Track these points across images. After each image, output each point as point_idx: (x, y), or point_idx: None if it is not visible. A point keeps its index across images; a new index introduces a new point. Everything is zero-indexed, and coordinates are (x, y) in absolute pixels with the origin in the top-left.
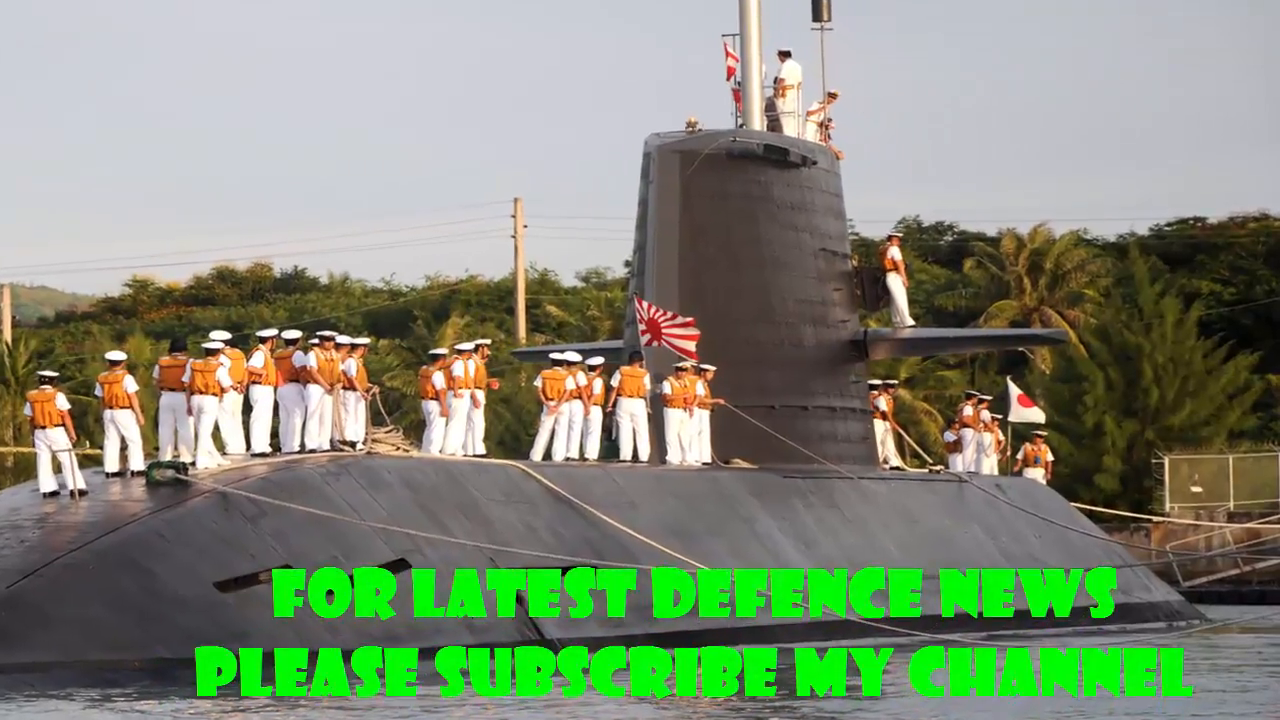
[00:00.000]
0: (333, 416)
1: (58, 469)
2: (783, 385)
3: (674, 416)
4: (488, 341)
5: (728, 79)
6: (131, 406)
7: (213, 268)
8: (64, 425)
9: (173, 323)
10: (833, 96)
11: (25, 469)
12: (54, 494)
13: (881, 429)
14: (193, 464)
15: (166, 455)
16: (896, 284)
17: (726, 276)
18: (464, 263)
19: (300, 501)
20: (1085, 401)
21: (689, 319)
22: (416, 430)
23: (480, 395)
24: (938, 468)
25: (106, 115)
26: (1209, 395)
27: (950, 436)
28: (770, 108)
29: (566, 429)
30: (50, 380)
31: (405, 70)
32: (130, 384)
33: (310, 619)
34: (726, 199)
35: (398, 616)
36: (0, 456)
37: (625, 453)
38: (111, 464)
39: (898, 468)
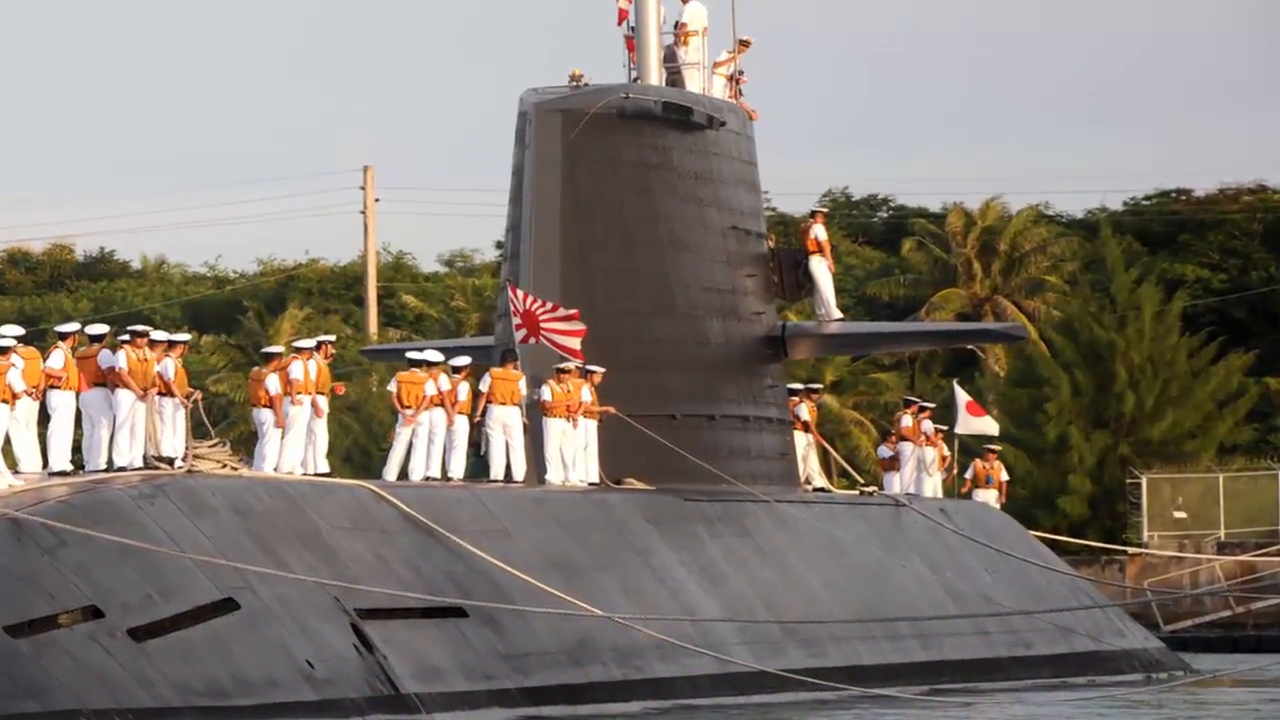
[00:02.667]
0: (146, 428)
1: None
2: (685, 391)
3: (555, 428)
4: (332, 338)
5: (619, 24)
6: None
7: (2, 250)
8: None
9: None
10: (745, 45)
11: None
12: None
13: (803, 443)
14: None
15: None
16: (821, 269)
17: (618, 260)
18: (303, 244)
19: (108, 529)
20: (1047, 410)
21: (572, 311)
22: (247, 444)
23: (323, 402)
24: (870, 489)
25: None
26: (1195, 402)
27: (885, 452)
28: (670, 58)
29: (426, 443)
30: None
31: (231, 13)
32: None
33: (120, 671)
34: (618, 167)
35: (224, 668)
36: None
37: (496, 471)
38: None
39: (822, 489)
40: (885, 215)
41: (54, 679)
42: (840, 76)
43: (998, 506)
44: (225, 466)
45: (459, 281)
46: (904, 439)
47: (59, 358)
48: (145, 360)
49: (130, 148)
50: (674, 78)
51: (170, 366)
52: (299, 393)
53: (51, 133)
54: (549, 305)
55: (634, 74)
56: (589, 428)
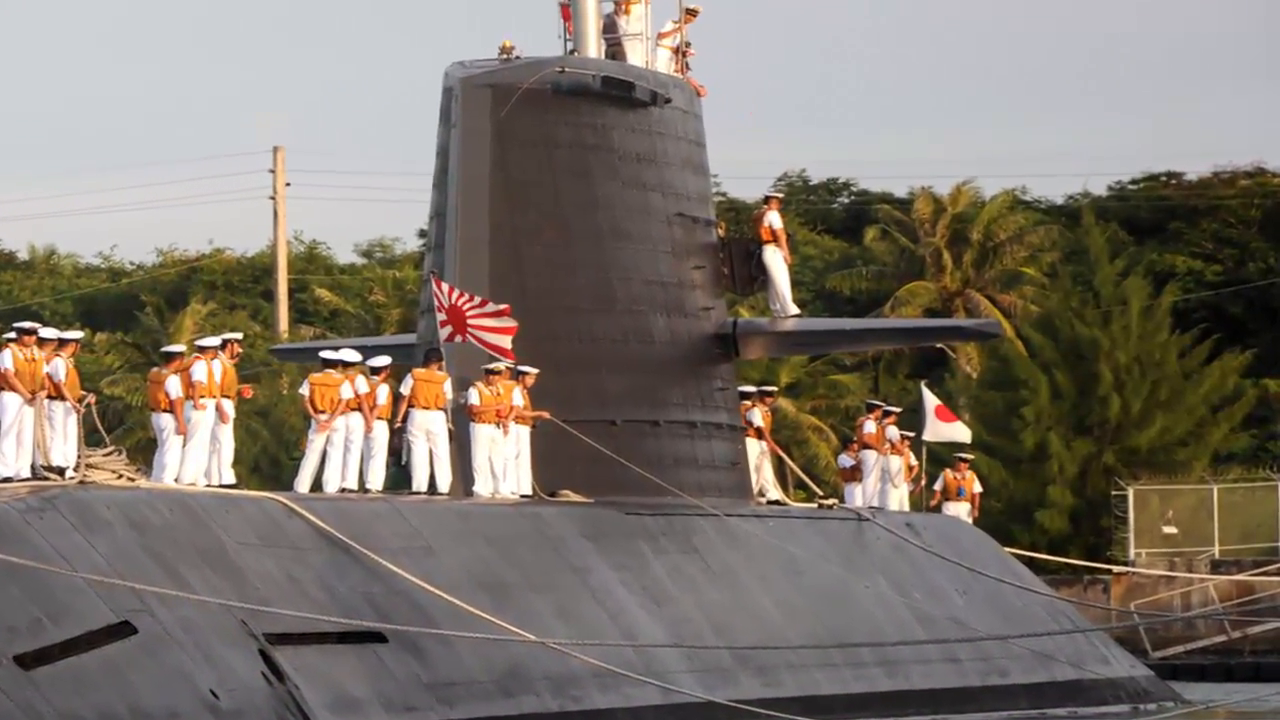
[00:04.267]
0: (34, 434)
1: None
2: (626, 394)
3: (483, 434)
4: (239, 336)
5: None
6: None
7: None
8: None
9: None
10: (692, 14)
11: None
12: None
13: (756, 451)
14: None
15: None
16: (776, 260)
17: (553, 251)
18: (206, 232)
19: None
20: (1024, 415)
21: (503, 307)
22: (145, 452)
23: (229, 406)
24: (830, 502)
25: None
26: (1186, 407)
27: (847, 461)
28: (610, 29)
29: (342, 450)
30: None
31: None
32: None
33: (5, 701)
34: (552, 148)
35: (121, 698)
36: None
37: (419, 482)
38: None
39: (778, 501)
40: (846, 201)
41: None
42: (796, 48)
43: (970, 521)
44: (121, 477)
45: (378, 274)
46: (867, 447)
47: None
48: (33, 360)
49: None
50: (614, 50)
51: (61, 367)
52: (202, 396)
53: None
54: (477, 300)
55: (570, 46)
56: (521, 434)
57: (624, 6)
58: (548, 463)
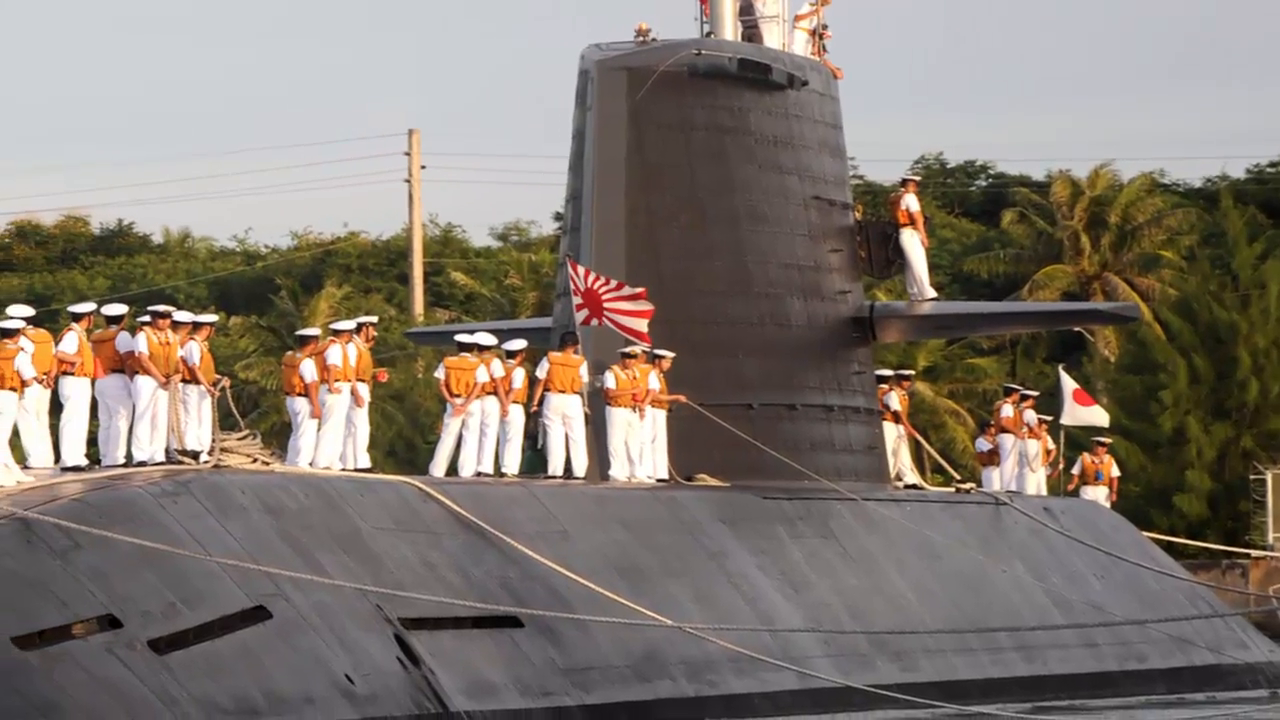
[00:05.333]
0: (169, 418)
1: None
2: (763, 378)
3: (619, 418)
4: (374, 319)
5: None
6: None
7: (9, 223)
8: None
9: None
10: None
11: None
12: None
13: (893, 435)
14: None
15: None
16: (913, 243)
17: (689, 234)
18: (341, 216)
19: (126, 531)
20: (1162, 399)
21: (639, 290)
22: (279, 436)
23: (364, 390)
24: (968, 486)
25: None
26: None
27: (984, 445)
28: (747, 11)
29: (477, 435)
30: None
31: None
32: None
33: (140, 687)
34: (689, 131)
35: (255, 682)
36: None
37: (555, 466)
38: None
39: (915, 486)
40: (984, 184)
41: (67, 695)
42: (934, 31)
43: (1107, 505)
44: (256, 461)
45: (513, 257)
46: (1004, 431)
47: (72, 341)
48: (167, 344)
49: (152, 109)
50: (751, 33)
51: (195, 351)
52: (337, 380)
53: (65, 93)
54: (613, 283)
55: (707, 28)
56: (657, 418)
57: None
58: (684, 447)
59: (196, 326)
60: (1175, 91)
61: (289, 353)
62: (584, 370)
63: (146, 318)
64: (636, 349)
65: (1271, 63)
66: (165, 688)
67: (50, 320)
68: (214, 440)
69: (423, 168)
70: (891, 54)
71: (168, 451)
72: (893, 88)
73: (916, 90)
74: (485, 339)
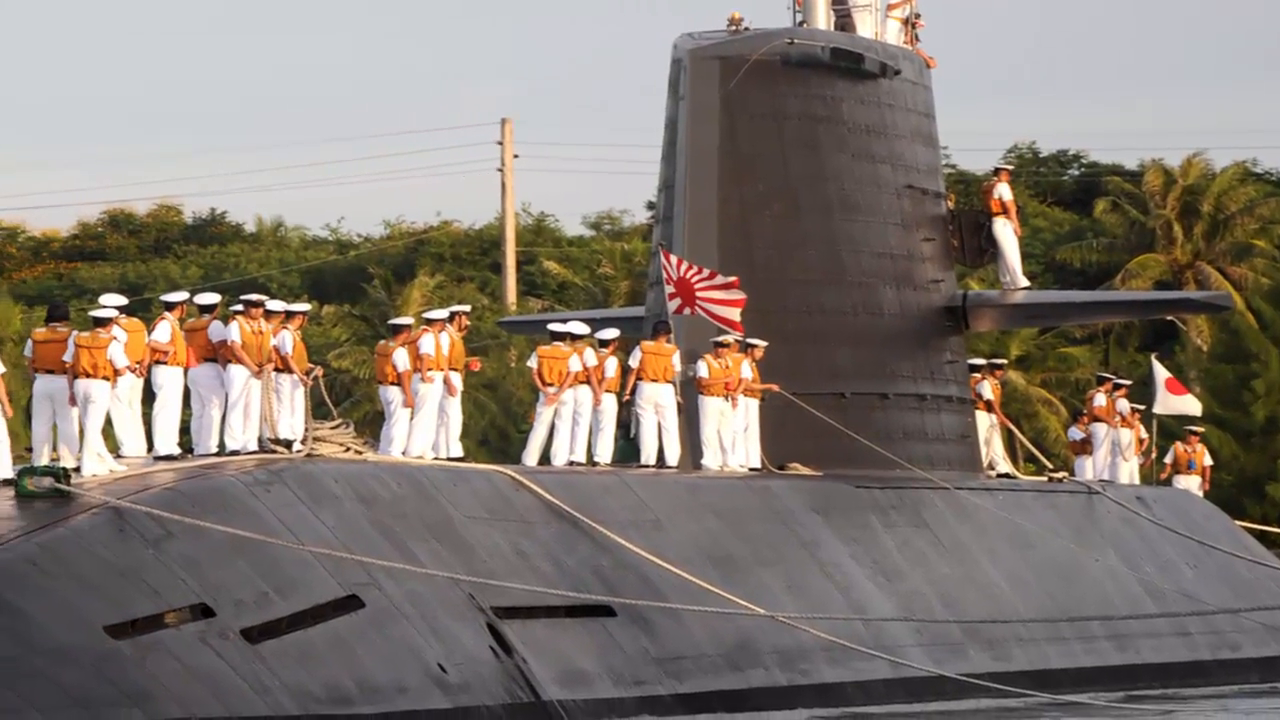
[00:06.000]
0: (262, 407)
1: None
2: (856, 367)
3: (712, 407)
4: (467, 308)
5: None
6: None
7: (103, 211)
8: None
9: (50, 283)
10: None
11: None
12: None
13: (986, 424)
14: (76, 470)
15: (42, 459)
16: (1005, 232)
17: (781, 223)
18: (435, 205)
19: (219, 519)
20: (1254, 388)
21: (732, 279)
22: (372, 425)
23: (456, 379)
24: (1060, 475)
25: None
26: None
27: (1077, 434)
28: (840, 0)
29: (570, 424)
30: None
31: None
32: None
33: (232, 676)
34: (781, 120)
35: (347, 671)
36: None
37: (648, 455)
38: None
39: (1007, 474)
40: (1076, 173)
41: (160, 684)
42: (1027, 19)
43: (1200, 494)
44: (349, 450)
45: (606, 246)
46: (1097, 420)
47: (165, 330)
48: (260, 333)
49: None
50: (843, 21)
51: (288, 340)
52: (430, 369)
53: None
54: (706, 272)
55: (799, 17)
56: (750, 407)
57: None
58: (776, 436)
59: (289, 315)
60: (1268, 80)
61: (382, 342)
62: (677, 359)
63: (239, 307)
64: (729, 338)
65: None
66: (258, 677)
67: (143, 309)
68: (307, 429)
69: (516, 156)
70: (985, 43)
71: (260, 440)
72: (986, 76)
73: (1010, 79)
74: (578, 328)
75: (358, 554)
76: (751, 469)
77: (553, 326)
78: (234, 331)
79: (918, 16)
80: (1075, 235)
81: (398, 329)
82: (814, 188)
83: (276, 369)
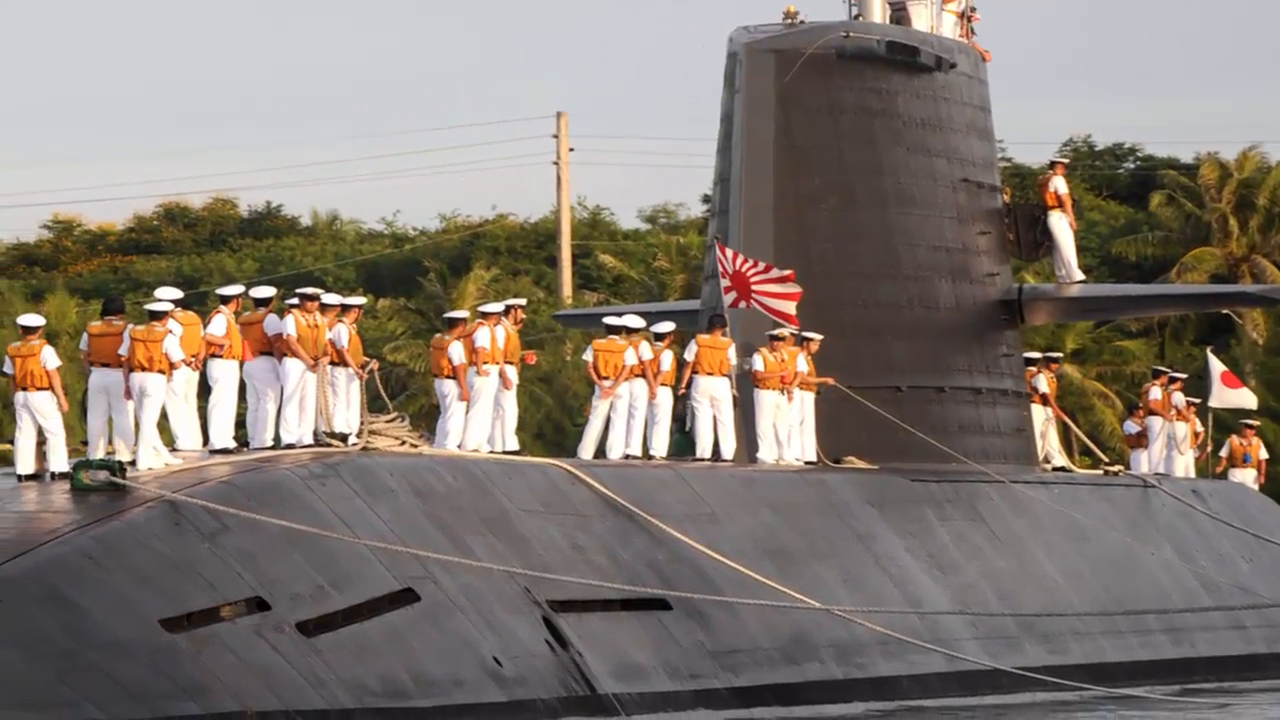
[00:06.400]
0: (317, 401)
1: None
2: (911, 360)
3: (767, 401)
4: (522, 302)
5: None
6: (51, 387)
7: (158, 204)
8: None
9: (106, 277)
10: None
11: None
12: None
13: (1041, 417)
14: (132, 463)
15: (98, 452)
16: (1061, 226)
17: (837, 216)
18: (490, 198)
19: (274, 513)
20: None
21: (787, 273)
22: (428, 418)
23: (512, 372)
24: (1116, 468)
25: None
26: None
27: (1132, 427)
28: None
29: (625, 417)
30: None
31: None
32: (50, 358)
33: (288, 669)
34: (837, 114)
35: (403, 665)
36: None
37: (703, 448)
38: (25, 463)
39: (1063, 468)
40: (1132, 166)
41: (215, 678)
42: (1082, 12)
43: (1256, 487)
44: (404, 443)
45: (662, 239)
46: (1152, 413)
47: (221, 323)
48: (316, 326)
49: (299, 92)
50: (899, 15)
51: (343, 333)
52: (485, 362)
53: (211, 74)
54: (761, 265)
55: (854, 11)
56: (805, 401)
57: None
58: (832, 429)
59: (345, 309)
60: None
61: (437, 335)
62: (732, 353)
63: (295, 300)
64: (785, 331)
65: None
66: (313, 670)
67: (198, 303)
68: (362, 423)
69: (571, 150)
70: (1040, 36)
71: (316, 434)
72: (1041, 70)
73: (1065, 73)
74: (634, 321)
75: (413, 547)
76: (807, 462)
77: (608, 320)
78: (289, 325)
79: (973, 10)
80: (1131, 229)
81: (453, 322)
82: (869, 181)
83: (332, 362)
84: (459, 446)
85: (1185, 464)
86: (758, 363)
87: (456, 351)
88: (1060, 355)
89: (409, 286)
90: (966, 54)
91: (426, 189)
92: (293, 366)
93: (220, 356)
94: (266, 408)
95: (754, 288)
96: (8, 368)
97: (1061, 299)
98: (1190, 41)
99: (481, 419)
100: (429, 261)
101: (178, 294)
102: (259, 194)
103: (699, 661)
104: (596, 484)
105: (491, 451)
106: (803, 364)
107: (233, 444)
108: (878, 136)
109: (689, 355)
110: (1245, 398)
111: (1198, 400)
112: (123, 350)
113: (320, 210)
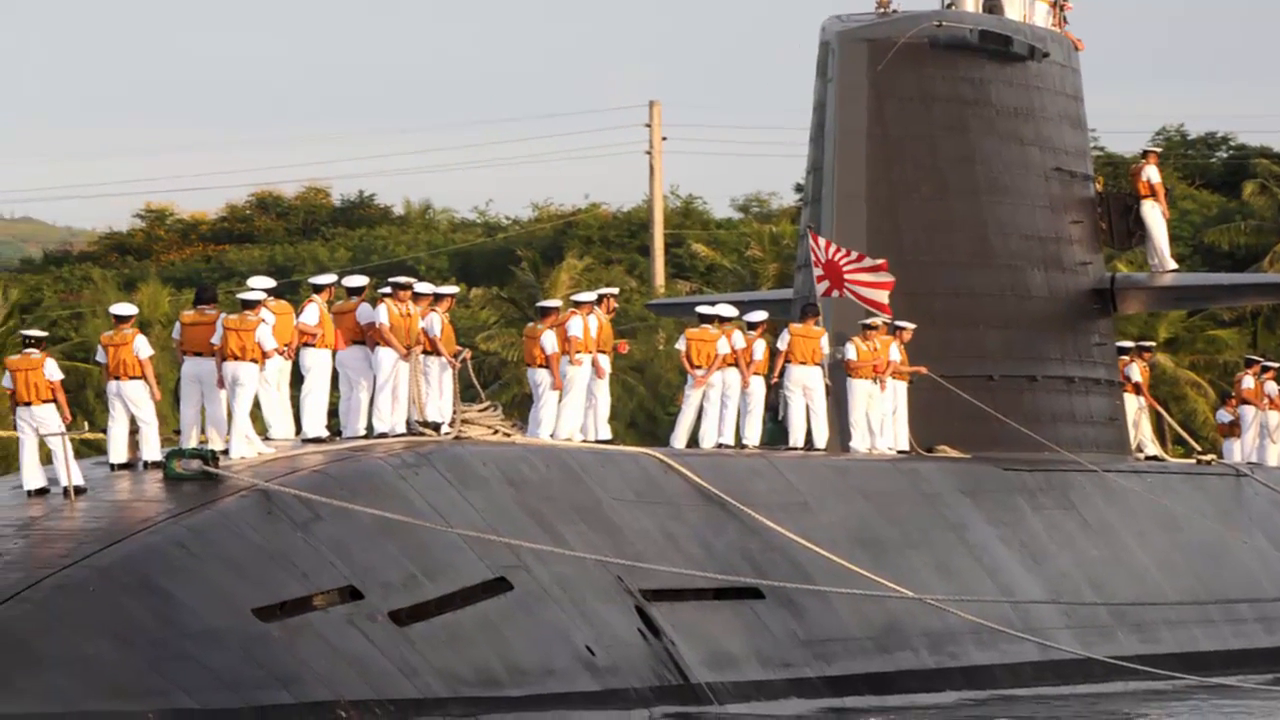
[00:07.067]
0: (410, 390)
1: (47, 459)
2: (1004, 349)
3: (860, 390)
4: (615, 291)
5: None
6: (144, 376)
7: (251, 194)
8: (55, 401)
9: (199, 266)
10: None
11: (4, 459)
12: (42, 492)
13: (1134, 406)
14: (225, 453)
15: (190, 441)
16: (1154, 215)
17: (930, 205)
18: (583, 187)
19: (367, 502)
20: None
21: (880, 261)
22: (520, 407)
23: (605, 361)
24: (1209, 457)
25: None
26: None
27: (1225, 416)
28: None
29: (718, 406)
30: (37, 342)
31: None
32: (143, 347)
33: (380, 658)
34: (930, 103)
35: (495, 654)
36: None
37: (796, 437)
38: (118, 452)
39: (1155, 457)
40: (1224, 155)
41: (308, 667)
42: (1175, 3)
43: None
44: (497, 432)
45: (754, 228)
46: (1245, 402)
47: (313, 313)
48: (408, 315)
49: (393, 81)
50: (991, 4)
51: (436, 322)
52: (578, 351)
53: (303, 64)
54: (854, 255)
55: (947, 0)
56: (898, 390)
57: None
58: (924, 418)
59: (438, 298)
60: None
61: (530, 324)
62: (825, 342)
63: (388, 289)
64: (877, 320)
65: None
66: (406, 659)
67: (291, 292)
68: (455, 412)
69: (664, 139)
70: (1133, 26)
71: (409, 423)
72: (1134, 59)
73: (1158, 62)
74: (726, 310)
75: (506, 536)
76: (900, 451)
77: (701, 309)
78: (382, 314)
79: None
80: (1223, 218)
81: (546, 311)
82: (962, 170)
83: (425, 351)
84: (552, 435)
85: (1278, 453)
86: (850, 352)
87: (549, 340)
88: (1153, 344)
89: (502, 275)
90: (1059, 43)
91: (519, 178)
92: (385, 356)
93: (313, 345)
94: (359, 397)
95: (847, 277)
96: (101, 357)
97: (1154, 288)
98: None
99: (574, 408)
100: (522, 250)
101: (270, 283)
102: (352, 183)
103: (792, 650)
104: (689, 473)
105: (584, 440)
106: (895, 353)
107: (325, 433)
108: (970, 125)
109: (782, 344)
110: None
111: None
112: (215, 339)
113: (413, 199)
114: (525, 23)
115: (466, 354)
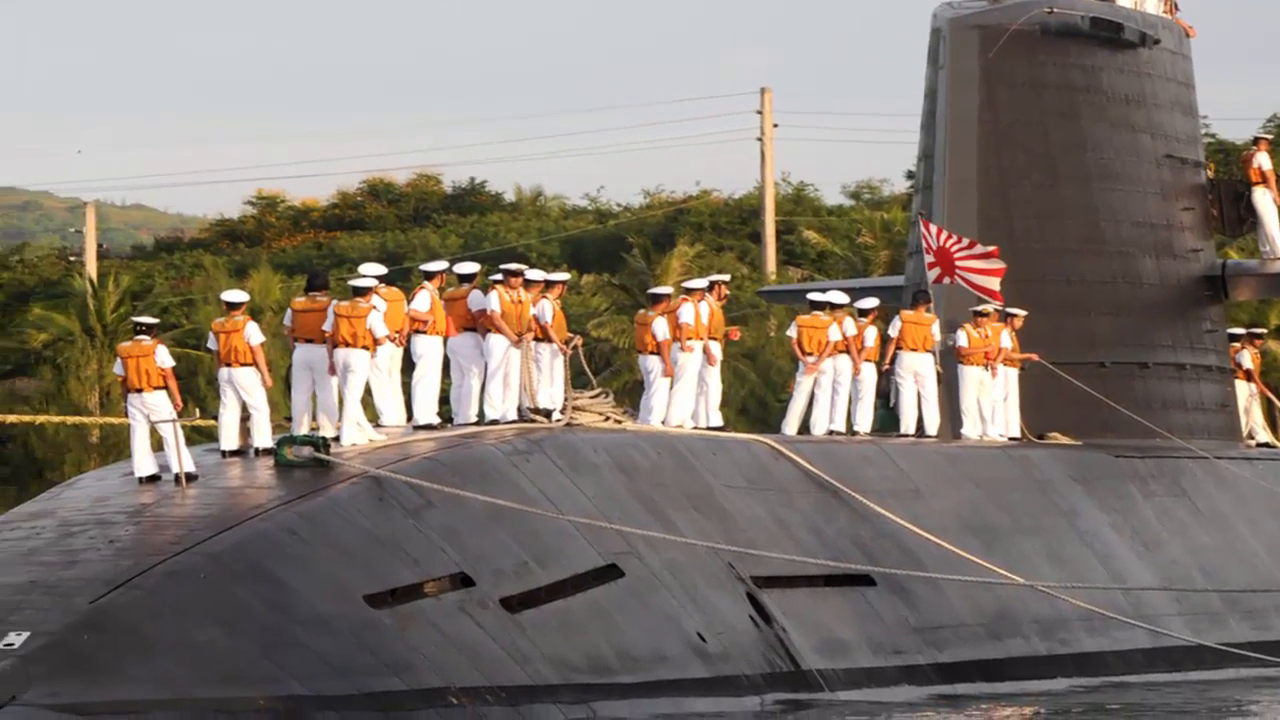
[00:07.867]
0: (521, 377)
1: (158, 446)
2: (1115, 336)
3: (971, 377)
4: (726, 278)
5: None
6: (255, 364)
7: (362, 181)
8: (166, 388)
9: (310, 253)
10: None
11: (116, 446)
12: (153, 479)
13: (1245, 393)
14: (336, 439)
15: (302, 428)
16: (1265, 201)
17: (1041, 192)
18: (694, 174)
19: (478, 489)
20: None
21: (991, 249)
22: (632, 394)
23: (716, 349)
24: None
25: None
26: None
27: None
28: None
29: (829, 393)
30: (149, 329)
31: None
32: (254, 334)
33: (492, 645)
34: (1041, 89)
35: (606, 641)
36: (83, 429)
37: (907, 424)
38: (229, 439)
39: (1267, 444)
40: None
41: (419, 654)
42: None
43: None
44: (608, 419)
45: (865, 215)
46: None
47: (425, 299)
48: (520, 302)
49: (503, 67)
50: None
51: (547, 309)
52: (689, 338)
53: (415, 51)
54: (965, 241)
55: None
56: (1009, 377)
57: None
58: (1036, 405)
59: (549, 285)
60: None
61: (641, 311)
62: (936, 329)
63: (499, 276)
64: (989, 307)
65: None
66: (517, 646)
67: (402, 279)
68: (566, 398)
69: (775, 126)
70: (1245, 12)
71: (520, 410)
72: (1246, 46)
73: (1269, 48)
74: (838, 297)
75: (617, 523)
76: (1011, 438)
77: (812, 296)
78: (493, 301)
79: None
80: None
81: (657, 298)
82: (1073, 157)
83: (536, 338)
84: (663, 422)
85: None
86: (961, 339)
87: (661, 327)
88: (1264, 331)
89: (613, 262)
90: (1170, 29)
91: (631, 165)
92: (497, 343)
93: (424, 332)
94: (470, 384)
95: (958, 263)
96: (212, 344)
97: (1265, 275)
98: None
99: (685, 395)
100: (633, 237)
101: (382, 270)
102: (463, 170)
103: (903, 637)
104: (800, 460)
105: (695, 427)
106: (1006, 340)
107: (436, 420)
108: (1081, 112)
109: (893, 331)
110: None
111: None
112: (327, 326)
113: (524, 186)
114: (637, 10)
115: (578, 341)
